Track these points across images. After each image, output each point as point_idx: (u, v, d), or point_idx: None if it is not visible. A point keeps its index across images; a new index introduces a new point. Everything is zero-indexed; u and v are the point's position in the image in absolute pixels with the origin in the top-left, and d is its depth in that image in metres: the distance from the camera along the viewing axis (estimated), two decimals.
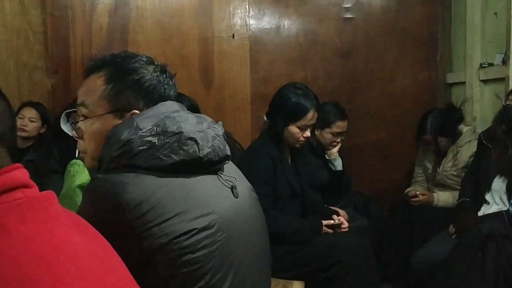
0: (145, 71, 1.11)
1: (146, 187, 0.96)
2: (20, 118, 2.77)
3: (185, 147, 1.00)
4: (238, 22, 3.12)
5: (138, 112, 1.08)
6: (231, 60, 3.13)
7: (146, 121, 1.03)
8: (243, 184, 1.17)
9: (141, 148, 0.99)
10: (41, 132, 2.84)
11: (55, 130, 2.87)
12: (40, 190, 2.17)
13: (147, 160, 0.99)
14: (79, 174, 1.78)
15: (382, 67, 3.22)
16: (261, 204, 1.25)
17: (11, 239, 0.63)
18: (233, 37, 3.12)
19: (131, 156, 1.00)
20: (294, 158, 2.25)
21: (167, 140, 1.00)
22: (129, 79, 1.09)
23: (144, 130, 1.00)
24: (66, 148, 2.86)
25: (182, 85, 2.89)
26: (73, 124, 1.15)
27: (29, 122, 2.78)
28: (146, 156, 0.99)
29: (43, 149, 2.80)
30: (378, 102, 3.23)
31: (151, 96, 1.10)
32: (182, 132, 1.01)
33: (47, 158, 2.77)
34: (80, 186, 1.74)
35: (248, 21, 3.13)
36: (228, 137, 2.37)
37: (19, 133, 2.76)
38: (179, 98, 2.21)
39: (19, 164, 0.73)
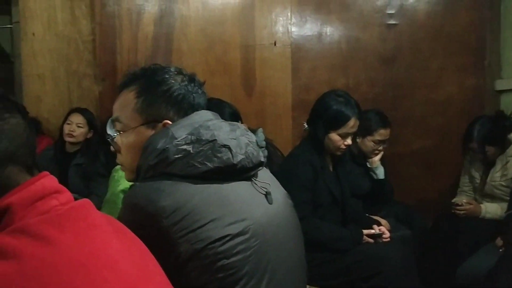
0: (173, 81, 1.14)
1: (181, 194, 0.99)
2: (68, 124, 2.89)
3: (219, 154, 1.02)
4: (280, 29, 3.13)
5: (169, 121, 1.11)
6: (272, 67, 3.14)
7: (181, 130, 1.06)
8: (277, 191, 1.18)
9: (176, 156, 1.02)
10: (88, 137, 2.94)
11: (101, 135, 2.97)
12: (87, 192, 2.25)
13: (182, 168, 1.02)
14: (123, 179, 1.83)
15: (427, 74, 3.15)
16: (301, 211, 1.25)
17: (53, 249, 0.65)
18: (275, 44, 3.13)
19: (167, 164, 1.02)
20: (335, 166, 2.23)
21: (201, 148, 1.02)
22: (158, 90, 1.12)
23: (179, 139, 1.03)
24: (112, 152, 2.96)
25: (224, 92, 2.95)
26: (111, 140, 1.19)
27: (76, 127, 2.88)
28: (181, 164, 1.02)
29: (90, 154, 2.90)
30: (422, 109, 3.16)
31: (181, 106, 1.13)
32: (216, 139, 1.03)
33: (93, 162, 2.88)
34: (123, 191, 1.78)
35: (290, 28, 3.13)
36: (269, 144, 2.39)
37: (68, 139, 2.88)
38: (220, 104, 2.26)
39: (46, 172, 0.76)
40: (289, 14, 3.13)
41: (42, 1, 3.03)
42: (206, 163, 1.02)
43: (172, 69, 1.18)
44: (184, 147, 1.02)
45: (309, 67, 3.16)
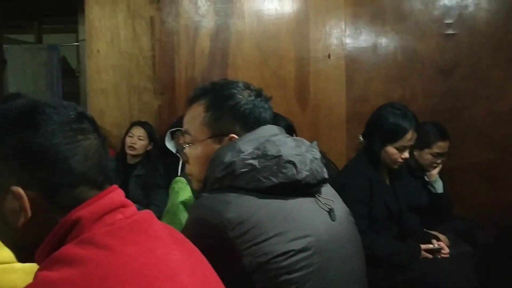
0: (241, 96, 1.16)
1: (247, 207, 1.01)
2: (130, 136, 3.01)
3: (284, 170, 1.04)
4: (334, 41, 3.13)
5: (235, 136, 1.14)
6: (326, 79, 3.15)
7: (247, 144, 1.08)
8: (340, 208, 1.18)
9: (242, 170, 1.04)
10: (148, 149, 3.06)
11: (160, 148, 3.08)
12: (146, 202, 2.33)
13: (248, 182, 1.04)
14: (182, 191, 1.89)
15: (488, 85, 3.03)
16: (356, 225, 1.24)
17: (116, 259, 0.68)
18: (329, 57, 3.14)
19: (234, 177, 1.05)
20: (392, 180, 2.19)
21: (267, 163, 1.04)
22: (226, 105, 1.16)
23: (245, 153, 1.06)
24: (170, 164, 3.06)
25: (278, 105, 2.97)
26: (180, 150, 1.25)
27: (137, 140, 3.01)
28: (247, 178, 1.04)
29: (149, 165, 3.01)
30: (483, 121, 3.04)
31: (247, 120, 1.15)
32: (281, 155, 1.05)
33: (153, 173, 2.98)
34: (183, 203, 1.85)
35: (344, 40, 3.13)
36: (323, 157, 2.38)
37: (129, 151, 3.01)
38: (275, 118, 2.27)
39: (115, 186, 0.80)
40: (343, 26, 3.13)
41: (106, 20, 3.20)
42: (271, 178, 1.03)
43: (240, 84, 1.20)
44: (250, 161, 1.04)
45: (364, 79, 3.14)
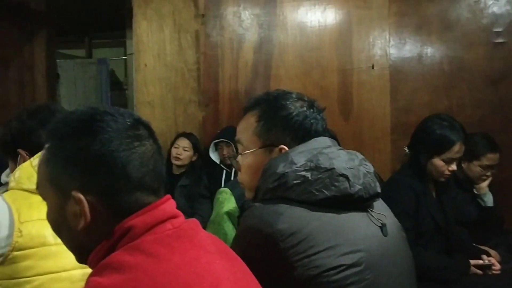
0: (293, 107, 1.16)
1: (298, 219, 1.00)
2: (176, 147, 3.09)
3: (336, 183, 1.03)
4: (378, 52, 3.10)
5: (285, 147, 1.13)
6: (370, 90, 3.12)
7: (300, 156, 1.07)
8: (392, 223, 1.16)
9: (295, 182, 1.04)
10: (192, 160, 3.12)
11: (204, 158, 3.14)
12: (191, 212, 2.36)
13: (300, 194, 1.03)
14: (227, 201, 1.92)
15: None
16: None
17: (163, 268, 0.71)
18: (373, 67, 3.11)
19: (286, 189, 1.05)
20: (439, 192, 2.14)
21: (319, 176, 1.03)
22: (277, 116, 1.15)
23: (298, 165, 1.05)
24: (214, 175, 3.11)
25: None
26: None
27: (183, 151, 3.08)
28: (299, 189, 1.04)
29: (194, 176, 3.07)
30: None
31: (297, 132, 1.14)
32: (334, 168, 1.04)
33: (197, 184, 3.04)
34: (228, 213, 1.87)
35: (388, 50, 3.10)
36: None
37: (175, 161, 3.08)
38: None
39: (168, 196, 0.82)
40: (387, 36, 3.10)
41: (153, 35, 3.30)
42: (324, 191, 1.03)
43: (293, 95, 1.20)
44: (303, 173, 1.04)
45: (409, 89, 3.09)
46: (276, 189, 1.06)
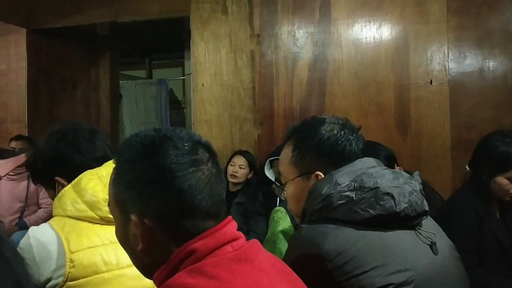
0: (323, 132, 1.18)
1: (345, 239, 1.01)
2: (232, 165, 3.14)
3: (381, 202, 1.03)
4: (436, 67, 3.03)
5: (320, 173, 1.15)
6: (428, 106, 3.04)
7: (344, 176, 1.09)
8: (443, 241, 1.13)
9: (339, 202, 1.05)
10: (248, 177, 3.15)
11: (260, 176, 3.16)
12: (246, 229, 2.40)
13: (345, 214, 1.04)
14: (282, 220, 1.94)
15: None
16: (464, 260, 1.18)
17: None
18: (431, 83, 3.04)
19: (331, 209, 1.06)
20: (503, 212, 2.04)
21: (364, 195, 1.04)
22: (309, 144, 1.18)
23: (342, 186, 1.06)
24: (269, 192, 3.12)
25: (378, 133, 2.94)
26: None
27: (239, 169, 3.12)
28: (344, 210, 1.05)
29: (250, 193, 3.10)
30: None
31: (331, 157, 1.16)
32: (378, 187, 1.04)
33: (253, 201, 3.06)
34: (283, 232, 1.88)
35: (447, 65, 3.02)
36: (426, 187, 2.29)
37: (231, 179, 3.13)
38: (375, 147, 2.26)
39: (229, 218, 0.83)
40: (446, 51, 3.02)
41: (210, 55, 3.40)
42: (369, 210, 1.03)
43: (325, 119, 1.22)
44: (347, 193, 1.05)
45: (470, 104, 2.98)
46: (321, 210, 1.08)
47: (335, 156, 1.16)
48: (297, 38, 3.27)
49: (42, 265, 1.09)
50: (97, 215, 1.15)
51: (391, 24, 3.11)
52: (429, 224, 1.14)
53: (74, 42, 4.15)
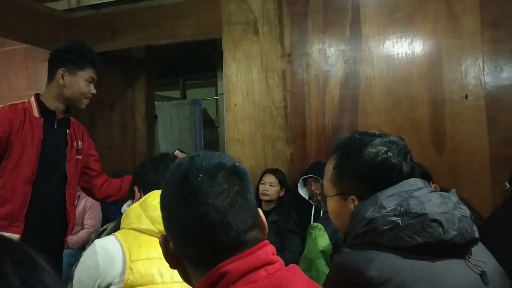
0: (366, 155, 1.12)
1: (390, 266, 0.97)
2: (262, 183, 3.15)
3: (429, 229, 0.98)
4: (472, 81, 2.97)
5: (355, 198, 1.11)
6: (464, 121, 2.98)
7: (390, 199, 1.04)
8: (494, 270, 1.08)
9: (384, 227, 1.00)
10: (280, 195, 3.16)
11: (293, 194, 3.16)
12: (280, 248, 2.40)
13: (390, 240, 1.00)
14: (320, 238, 1.92)
15: None
16: None
17: None
18: (467, 98, 2.98)
19: (375, 234, 1.02)
20: None
21: (410, 221, 0.99)
22: (349, 165, 1.14)
23: (387, 210, 1.02)
24: (303, 210, 3.12)
25: (412, 150, 2.83)
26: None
27: (269, 187, 3.13)
28: (389, 235, 1.00)
29: (283, 212, 3.10)
30: None
31: (368, 184, 1.11)
32: (426, 213, 1.00)
33: (286, 219, 3.06)
34: (323, 252, 1.87)
35: (483, 79, 2.95)
36: (464, 204, 2.24)
37: (262, 197, 3.14)
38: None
39: (265, 242, 0.82)
40: (481, 65, 2.96)
41: (242, 75, 3.45)
42: (416, 237, 0.98)
43: (374, 140, 1.15)
44: (393, 218, 1.00)
45: (509, 118, 2.90)
46: (365, 234, 1.03)
47: (374, 183, 1.10)
48: (328, 56, 3.28)
49: (105, 270, 1.20)
50: (157, 229, 1.25)
51: (423, 40, 3.08)
52: (479, 251, 1.08)
53: (111, 65, 4.29)
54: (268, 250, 0.82)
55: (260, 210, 0.87)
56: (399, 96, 3.11)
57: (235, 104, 3.47)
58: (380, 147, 1.13)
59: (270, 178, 3.15)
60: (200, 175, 0.80)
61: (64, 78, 2.19)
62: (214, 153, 0.87)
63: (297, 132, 3.32)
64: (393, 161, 1.12)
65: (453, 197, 1.08)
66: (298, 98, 3.33)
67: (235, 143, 3.46)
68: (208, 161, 0.83)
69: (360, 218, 1.05)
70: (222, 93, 4.18)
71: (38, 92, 2.29)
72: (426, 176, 2.32)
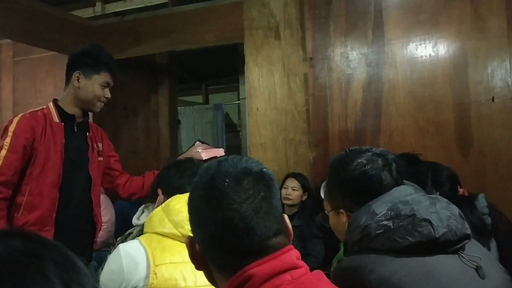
0: (350, 171, 1.19)
1: (386, 268, 1.01)
2: (285, 188, 3.15)
3: (419, 229, 1.03)
4: (498, 83, 2.91)
5: (343, 211, 1.18)
6: (491, 124, 2.92)
7: (381, 206, 1.10)
8: (491, 265, 1.10)
9: (377, 232, 1.06)
10: (303, 199, 3.15)
11: (315, 198, 3.14)
12: (304, 253, 2.41)
13: (384, 243, 1.05)
14: None
15: None
16: None
17: None
18: (493, 100, 2.92)
19: (370, 239, 1.07)
20: None
21: (401, 223, 1.04)
22: (335, 183, 1.23)
23: (379, 215, 1.08)
24: (327, 215, 3.10)
25: (437, 154, 2.85)
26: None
27: (292, 191, 3.13)
28: (383, 239, 1.05)
29: (306, 216, 3.09)
30: None
31: (352, 197, 1.18)
32: (415, 214, 1.04)
33: (309, 224, 3.05)
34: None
35: (510, 81, 2.89)
36: (492, 210, 2.20)
37: (285, 201, 3.13)
38: (437, 167, 2.20)
39: (290, 247, 0.83)
40: (508, 66, 2.90)
41: (264, 80, 3.46)
42: (408, 237, 1.03)
43: (360, 156, 1.21)
44: (385, 222, 1.06)
45: None
46: (361, 241, 1.09)
47: (357, 195, 1.18)
48: (350, 59, 3.26)
49: (129, 275, 1.22)
50: (180, 233, 1.27)
51: (447, 42, 3.04)
52: (474, 248, 1.11)
53: (135, 71, 4.36)
54: (292, 254, 0.82)
55: (286, 216, 0.87)
56: (423, 99, 3.07)
57: (257, 109, 3.47)
58: (359, 161, 1.20)
59: (292, 182, 3.15)
60: (227, 180, 0.81)
61: (79, 81, 2.23)
62: (242, 157, 0.88)
63: (319, 136, 3.31)
64: (371, 173, 1.18)
65: (442, 198, 1.13)
66: (320, 102, 3.32)
67: (257, 147, 3.47)
68: (235, 166, 0.84)
69: (355, 226, 1.11)
70: (244, 98, 4.20)
71: (56, 97, 2.34)
72: (454, 179, 2.29)
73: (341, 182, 1.21)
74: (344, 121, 3.25)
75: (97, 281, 0.88)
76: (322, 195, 3.12)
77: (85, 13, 4.63)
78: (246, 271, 0.78)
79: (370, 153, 1.22)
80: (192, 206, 0.86)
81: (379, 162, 1.20)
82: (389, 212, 1.07)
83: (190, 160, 1.65)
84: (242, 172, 0.83)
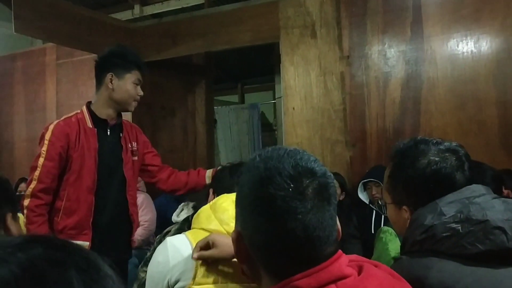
0: (419, 167, 1.09)
1: (450, 274, 0.95)
2: None
3: (491, 237, 0.95)
4: None
5: (406, 209, 1.10)
6: None
7: (450, 206, 1.01)
8: None
9: (444, 234, 0.98)
10: (340, 199, 3.12)
11: (353, 198, 3.11)
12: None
13: (450, 247, 0.97)
14: (391, 243, 1.88)
15: None
16: None
17: None
18: None
19: (434, 241, 0.99)
20: None
21: (471, 228, 0.96)
22: (402, 176, 1.12)
23: (447, 217, 0.99)
24: (364, 215, 3.06)
25: (479, 153, 2.76)
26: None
27: None
28: (449, 243, 0.98)
29: (343, 216, 3.05)
30: None
31: (419, 196, 1.08)
32: (488, 220, 0.96)
33: (346, 224, 3.01)
34: (394, 258, 1.83)
35: None
36: None
37: None
38: (481, 167, 2.13)
39: (338, 255, 0.78)
40: None
41: (300, 79, 3.45)
42: (477, 244, 0.95)
43: (430, 151, 1.11)
44: (453, 225, 0.98)
45: None
46: (424, 241, 1.01)
47: (424, 196, 1.08)
48: (388, 57, 3.21)
49: (174, 267, 1.25)
50: (225, 230, 1.27)
51: (490, 37, 2.94)
52: None
53: (172, 72, 4.43)
54: (342, 263, 0.79)
55: (337, 221, 0.83)
56: (464, 97, 2.98)
57: (293, 108, 3.47)
58: (432, 158, 1.10)
59: None
60: (288, 182, 0.76)
61: (113, 82, 2.27)
62: (297, 151, 0.82)
63: (356, 135, 3.27)
64: (443, 172, 1.08)
65: None
66: (357, 101, 3.28)
67: (294, 146, 3.45)
68: (296, 164, 0.79)
69: (419, 225, 1.03)
70: (280, 97, 4.20)
71: (90, 100, 2.38)
72: (498, 180, 2.21)
73: (408, 179, 1.10)
74: (382, 119, 3.20)
75: (124, 283, 0.88)
76: (360, 195, 3.09)
77: (124, 15, 4.74)
78: (292, 281, 0.75)
79: (442, 148, 1.11)
80: (243, 205, 0.81)
81: (453, 160, 1.09)
82: (459, 215, 0.98)
83: (243, 163, 1.68)
84: (305, 173, 0.78)
